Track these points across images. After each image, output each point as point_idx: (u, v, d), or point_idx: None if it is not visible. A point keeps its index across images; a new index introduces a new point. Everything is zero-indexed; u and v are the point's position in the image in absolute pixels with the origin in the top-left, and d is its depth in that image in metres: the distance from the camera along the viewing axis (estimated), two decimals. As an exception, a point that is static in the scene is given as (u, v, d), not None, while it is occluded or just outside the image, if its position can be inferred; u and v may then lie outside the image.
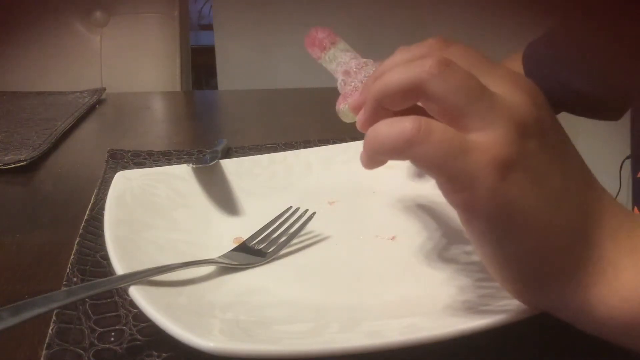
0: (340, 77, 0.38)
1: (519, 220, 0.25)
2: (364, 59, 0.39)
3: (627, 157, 0.58)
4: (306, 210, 0.43)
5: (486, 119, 0.25)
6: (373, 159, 0.29)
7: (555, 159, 0.26)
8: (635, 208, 0.49)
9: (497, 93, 0.26)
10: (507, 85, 0.27)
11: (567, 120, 0.68)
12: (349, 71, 0.37)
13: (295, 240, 0.40)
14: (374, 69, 0.38)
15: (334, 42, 0.39)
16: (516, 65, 0.64)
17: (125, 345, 0.30)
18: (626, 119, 0.62)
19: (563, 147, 0.28)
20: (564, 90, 0.62)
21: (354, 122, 0.32)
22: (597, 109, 0.64)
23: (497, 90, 0.26)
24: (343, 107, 0.39)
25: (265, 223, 0.41)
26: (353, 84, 0.36)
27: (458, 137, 0.25)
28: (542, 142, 0.26)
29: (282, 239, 0.40)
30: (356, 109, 0.32)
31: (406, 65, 0.27)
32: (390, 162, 0.29)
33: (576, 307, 0.27)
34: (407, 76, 0.27)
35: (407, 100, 0.28)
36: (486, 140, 0.25)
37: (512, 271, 0.27)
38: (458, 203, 0.26)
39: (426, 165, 0.26)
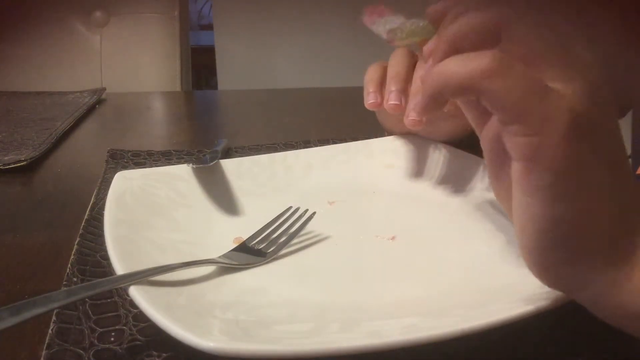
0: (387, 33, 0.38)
1: (580, 178, 0.25)
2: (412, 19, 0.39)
3: (627, 157, 0.58)
4: (306, 210, 0.43)
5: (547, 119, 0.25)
6: (433, 100, 0.27)
7: (612, 135, 0.27)
8: None
9: (561, 89, 0.25)
10: (567, 77, 0.26)
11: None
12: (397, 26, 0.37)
13: (295, 240, 0.40)
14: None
15: (393, 12, 0.40)
16: None
17: (125, 346, 0.30)
18: (627, 118, 0.62)
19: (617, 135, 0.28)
20: None
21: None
22: None
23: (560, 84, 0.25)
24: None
25: (265, 223, 0.41)
26: (404, 32, 0.36)
27: (540, 79, 0.25)
28: (604, 118, 0.26)
29: (282, 239, 0.40)
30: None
31: (464, 59, 0.26)
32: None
33: (600, 287, 0.27)
34: (462, 74, 0.25)
35: (464, 96, 0.28)
36: (566, 93, 0.24)
37: (552, 238, 0.26)
38: (524, 148, 0.25)
39: (501, 99, 0.25)
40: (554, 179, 0.25)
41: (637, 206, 0.27)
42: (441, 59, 0.27)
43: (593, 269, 0.26)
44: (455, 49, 0.28)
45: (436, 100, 0.27)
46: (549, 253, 0.27)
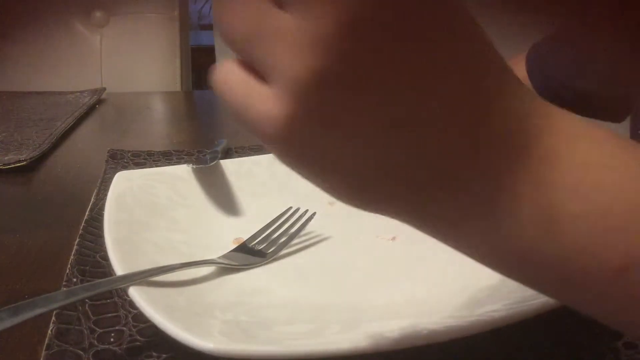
0: None
1: (322, 172, 0.20)
2: None
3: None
4: (306, 211, 0.43)
5: (266, 67, 0.19)
6: None
7: (390, 76, 0.18)
8: None
9: (284, 21, 0.18)
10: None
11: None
12: None
13: (295, 241, 0.40)
14: None
15: None
16: (519, 66, 0.64)
17: (124, 346, 0.30)
18: (626, 121, 0.62)
19: (440, 32, 0.18)
20: (567, 90, 0.62)
21: None
22: (600, 110, 0.64)
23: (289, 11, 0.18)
24: None
25: (266, 223, 0.41)
26: None
27: (241, 87, 0.20)
28: (355, 65, 0.18)
29: (282, 240, 0.40)
30: None
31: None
32: None
33: (446, 226, 0.22)
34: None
35: None
36: (269, 90, 0.19)
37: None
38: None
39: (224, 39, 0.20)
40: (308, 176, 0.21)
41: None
42: None
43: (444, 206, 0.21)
44: None
45: None
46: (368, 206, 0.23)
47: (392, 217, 0.23)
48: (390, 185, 0.21)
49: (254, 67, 0.20)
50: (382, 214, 0.23)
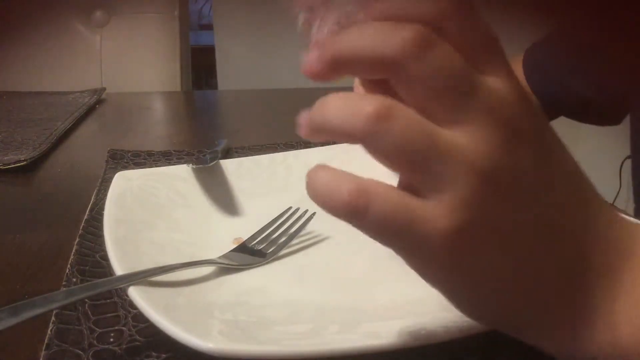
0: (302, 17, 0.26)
1: (484, 286, 0.22)
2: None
3: (628, 157, 0.58)
4: (306, 211, 0.43)
5: (440, 181, 0.21)
6: (315, 132, 0.23)
7: (530, 203, 0.22)
8: None
9: (456, 140, 0.21)
10: (475, 122, 0.21)
11: (568, 120, 0.68)
12: (313, 6, 0.24)
13: (295, 241, 0.40)
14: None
15: None
16: (516, 68, 0.64)
17: (124, 346, 0.30)
18: (626, 120, 0.62)
19: (545, 179, 0.23)
20: (563, 94, 0.62)
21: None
22: (597, 113, 0.64)
23: (462, 130, 0.21)
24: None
25: (265, 223, 0.41)
26: (319, 32, 0.24)
27: (400, 209, 0.21)
28: (513, 192, 0.22)
29: (282, 240, 0.40)
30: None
31: (382, 31, 0.21)
32: None
33: (557, 347, 0.24)
34: (377, 46, 0.21)
35: (372, 73, 0.22)
36: (438, 205, 0.21)
37: (494, 320, 0.24)
38: (427, 234, 0.21)
39: (386, 158, 0.21)
40: (454, 292, 0.23)
41: (589, 261, 0.24)
42: (323, 69, 0.22)
43: (553, 333, 0.24)
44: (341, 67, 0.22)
45: (319, 135, 0.24)
46: (478, 318, 0.25)
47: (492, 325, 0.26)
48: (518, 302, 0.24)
49: (409, 187, 0.21)
50: (486, 322, 0.26)
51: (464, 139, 0.21)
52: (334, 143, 0.55)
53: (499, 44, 0.23)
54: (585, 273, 0.23)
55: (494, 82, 0.21)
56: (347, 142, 0.22)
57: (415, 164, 0.21)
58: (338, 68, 0.22)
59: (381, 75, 0.22)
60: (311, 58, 0.23)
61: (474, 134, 0.21)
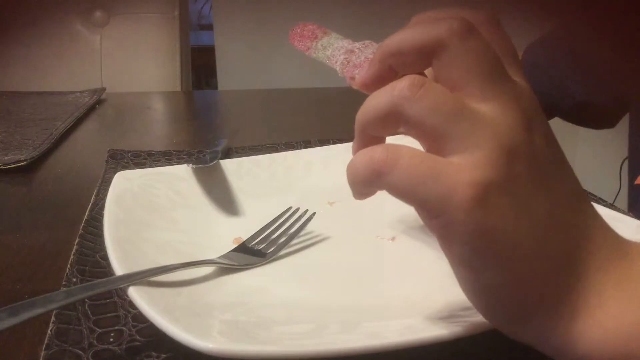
0: (342, 57, 0.35)
1: (499, 249, 0.23)
2: (365, 41, 0.36)
3: (627, 158, 0.58)
4: (306, 211, 0.43)
5: (467, 140, 0.24)
6: (357, 190, 0.27)
7: (543, 183, 0.25)
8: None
9: (484, 111, 0.24)
10: (502, 102, 0.25)
11: (568, 122, 0.68)
12: (353, 50, 0.33)
13: (295, 241, 0.40)
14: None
15: (325, 31, 0.37)
16: None
17: (124, 346, 0.30)
18: (625, 120, 0.62)
19: (554, 168, 0.26)
20: (559, 94, 0.62)
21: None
22: (593, 115, 0.64)
23: (490, 105, 0.24)
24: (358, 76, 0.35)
25: (265, 223, 0.41)
26: (363, 56, 0.32)
27: (427, 161, 0.24)
28: (530, 166, 0.24)
29: (282, 240, 0.40)
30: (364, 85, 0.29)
31: (381, 90, 0.25)
32: None
33: (558, 342, 0.25)
34: (381, 103, 0.25)
35: (390, 127, 0.26)
36: (463, 162, 0.23)
37: (492, 301, 0.26)
38: (434, 229, 0.24)
39: (397, 194, 0.24)
40: (470, 251, 0.24)
41: (593, 240, 0.25)
42: (358, 143, 0.28)
43: (543, 325, 0.25)
44: (368, 134, 0.27)
45: (361, 191, 0.27)
46: (492, 315, 0.27)
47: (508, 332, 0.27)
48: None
49: (435, 146, 0.25)
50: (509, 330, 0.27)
51: (491, 112, 0.24)
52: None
53: (517, 52, 0.27)
54: (580, 266, 0.25)
55: (515, 76, 0.26)
56: (372, 189, 0.26)
57: (447, 123, 0.24)
58: (386, 59, 0.27)
59: (396, 125, 0.26)
60: (362, 71, 0.29)
61: (500, 110, 0.24)
